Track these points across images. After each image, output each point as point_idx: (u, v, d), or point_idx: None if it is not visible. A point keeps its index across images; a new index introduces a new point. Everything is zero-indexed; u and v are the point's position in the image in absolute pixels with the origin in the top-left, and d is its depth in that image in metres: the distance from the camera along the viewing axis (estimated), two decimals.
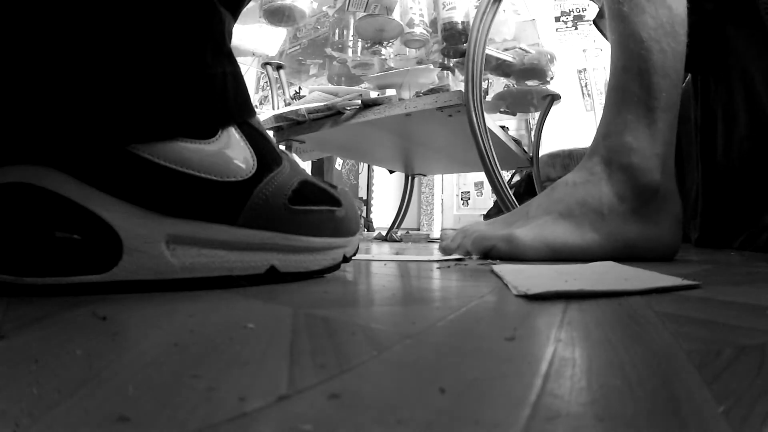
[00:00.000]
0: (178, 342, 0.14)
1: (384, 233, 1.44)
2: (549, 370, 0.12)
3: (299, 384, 0.11)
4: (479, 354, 0.13)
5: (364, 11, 1.01)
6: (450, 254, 0.53)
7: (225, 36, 0.27)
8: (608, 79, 0.53)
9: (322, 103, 0.96)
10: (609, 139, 0.50)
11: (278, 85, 1.18)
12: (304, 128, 1.01)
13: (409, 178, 1.56)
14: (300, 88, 1.58)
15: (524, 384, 0.11)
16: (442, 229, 3.53)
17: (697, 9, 0.52)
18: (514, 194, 0.89)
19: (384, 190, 3.59)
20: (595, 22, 0.80)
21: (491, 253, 0.48)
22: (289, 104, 1.13)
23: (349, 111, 0.94)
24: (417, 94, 1.02)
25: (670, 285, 0.25)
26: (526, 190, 1.50)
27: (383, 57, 1.11)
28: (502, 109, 1.24)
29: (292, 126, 1.03)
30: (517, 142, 1.16)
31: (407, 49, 1.11)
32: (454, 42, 1.04)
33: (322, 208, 0.30)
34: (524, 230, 0.47)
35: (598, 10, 0.79)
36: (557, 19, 2.94)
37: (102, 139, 0.23)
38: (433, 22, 1.07)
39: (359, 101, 0.92)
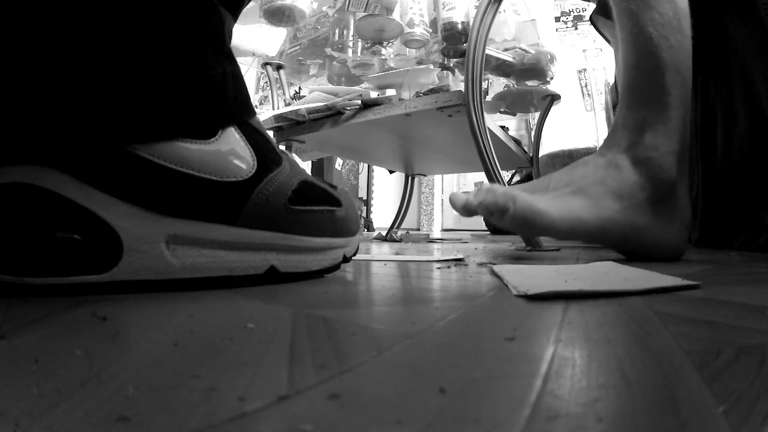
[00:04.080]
0: (178, 342, 0.14)
1: (384, 233, 1.44)
2: (549, 371, 0.12)
3: (299, 384, 0.11)
4: (479, 354, 0.13)
5: (364, 11, 1.01)
6: (471, 210, 0.50)
7: (225, 36, 0.27)
8: (620, 77, 0.53)
9: (322, 103, 0.96)
10: (626, 135, 0.50)
11: (278, 85, 1.18)
12: (304, 128, 1.01)
13: (409, 178, 1.56)
14: (300, 88, 1.57)
15: (524, 384, 0.11)
16: (443, 229, 3.53)
17: (695, 1, 0.52)
18: None
19: (384, 190, 3.59)
20: (592, 18, 0.80)
21: (507, 216, 0.45)
22: (289, 104, 1.13)
23: (349, 111, 0.94)
24: (417, 94, 1.02)
25: (670, 285, 0.25)
26: None
27: (383, 57, 1.11)
28: (502, 109, 1.23)
29: (292, 126, 1.03)
30: (517, 142, 1.15)
31: (407, 49, 1.11)
32: (454, 42, 1.04)
33: (322, 208, 0.30)
34: (544, 200, 0.47)
35: (594, 6, 0.78)
36: (557, 19, 2.94)
37: (102, 140, 0.23)
38: (433, 22, 1.07)
39: (359, 101, 0.92)
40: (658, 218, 0.48)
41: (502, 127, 1.11)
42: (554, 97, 1.15)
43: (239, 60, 0.33)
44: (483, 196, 0.48)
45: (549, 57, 1.09)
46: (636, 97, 0.50)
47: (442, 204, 3.70)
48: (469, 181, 3.60)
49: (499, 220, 0.46)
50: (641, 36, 0.48)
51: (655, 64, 0.48)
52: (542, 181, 0.53)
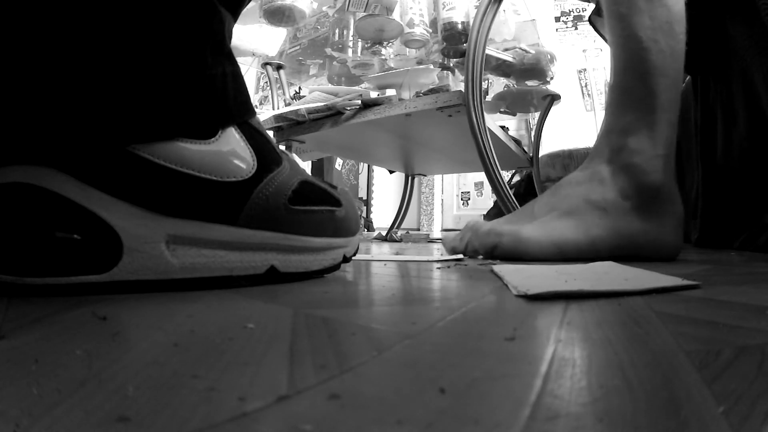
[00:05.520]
0: (178, 342, 0.14)
1: (384, 233, 1.44)
2: (549, 371, 0.12)
3: (299, 384, 0.11)
4: (479, 354, 0.13)
5: (364, 11, 1.01)
6: (458, 253, 0.52)
7: (225, 36, 0.27)
8: (609, 79, 0.53)
9: (322, 103, 0.96)
10: (611, 140, 0.50)
11: (278, 85, 1.18)
12: (304, 128, 1.01)
13: (409, 178, 1.56)
14: (300, 88, 1.58)
15: (524, 384, 0.11)
16: (443, 230, 3.53)
17: (694, 2, 0.52)
18: (514, 194, 0.89)
19: (384, 190, 3.59)
20: (590, 19, 0.80)
21: (497, 251, 0.47)
22: (289, 104, 1.13)
23: (349, 111, 0.94)
24: (417, 94, 1.02)
25: (670, 285, 0.25)
26: (526, 190, 1.50)
27: (383, 57, 1.11)
28: (502, 109, 1.23)
29: (292, 126, 1.03)
30: (517, 142, 1.15)
31: (407, 49, 1.11)
32: (454, 42, 1.04)
33: (322, 208, 0.30)
34: (530, 228, 0.47)
35: (594, 7, 0.78)
36: (557, 19, 2.94)
37: (102, 140, 0.23)
38: (433, 22, 1.06)
39: (359, 101, 0.92)
40: (648, 222, 0.48)
41: (502, 127, 1.11)
42: (554, 97, 1.15)
43: (239, 60, 0.33)
44: (468, 239, 0.50)
45: (549, 57, 1.09)
46: (624, 100, 0.50)
47: (442, 204, 3.70)
48: (469, 181, 3.60)
49: (490, 255, 0.48)
50: (631, 39, 0.49)
51: (645, 68, 0.48)
52: (526, 209, 0.54)
